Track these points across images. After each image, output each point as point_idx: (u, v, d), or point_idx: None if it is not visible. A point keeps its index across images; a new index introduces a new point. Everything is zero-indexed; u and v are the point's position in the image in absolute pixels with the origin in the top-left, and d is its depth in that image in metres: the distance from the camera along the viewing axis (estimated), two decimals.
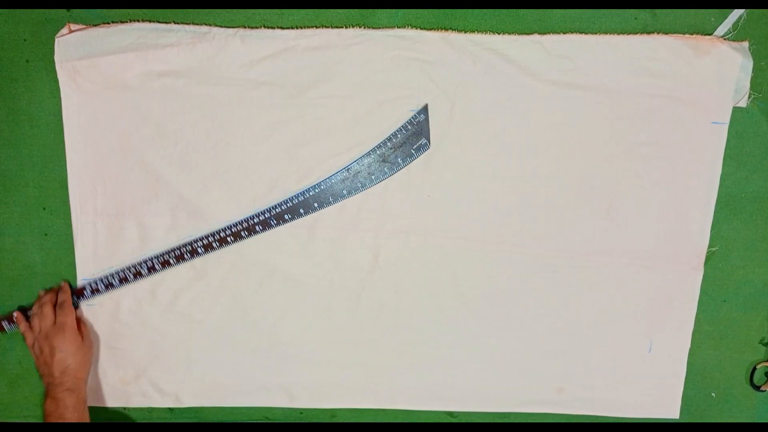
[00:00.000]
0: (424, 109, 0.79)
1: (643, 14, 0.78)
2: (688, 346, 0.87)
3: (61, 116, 0.79)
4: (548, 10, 0.77)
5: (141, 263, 0.81)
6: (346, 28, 0.77)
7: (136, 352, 0.85)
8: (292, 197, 0.80)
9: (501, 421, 0.89)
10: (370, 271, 0.84)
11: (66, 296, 0.81)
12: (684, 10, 0.77)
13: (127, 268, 0.82)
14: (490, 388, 0.87)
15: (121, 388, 0.86)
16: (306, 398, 0.88)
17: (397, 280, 0.84)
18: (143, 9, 0.77)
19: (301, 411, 0.89)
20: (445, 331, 0.85)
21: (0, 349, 0.86)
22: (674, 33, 0.78)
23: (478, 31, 0.78)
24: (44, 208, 0.83)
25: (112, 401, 0.87)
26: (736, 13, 0.78)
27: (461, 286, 0.84)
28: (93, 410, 0.87)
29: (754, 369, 0.89)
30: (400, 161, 0.80)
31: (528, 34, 0.78)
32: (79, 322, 0.82)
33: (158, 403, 0.87)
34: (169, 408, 0.88)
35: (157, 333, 0.85)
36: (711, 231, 0.83)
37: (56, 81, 0.78)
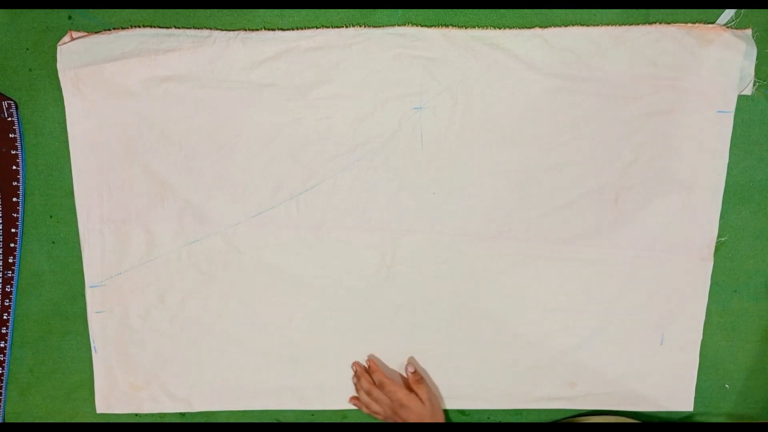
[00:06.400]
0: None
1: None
2: (700, 337, 0.86)
3: (66, 124, 0.79)
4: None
5: None
6: (347, 27, 0.78)
7: (146, 357, 0.86)
8: None
9: (514, 418, 0.89)
10: (378, 271, 0.83)
11: (379, 374, 0.84)
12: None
13: None
14: (502, 384, 0.87)
15: (132, 394, 0.87)
16: (317, 400, 0.87)
17: (405, 279, 0.84)
18: (143, 10, 0.77)
19: (312, 412, 0.88)
20: (455, 329, 0.85)
21: (11, 358, 0.87)
22: (676, 23, 0.78)
23: (478, 27, 0.78)
24: (51, 216, 0.83)
25: (123, 407, 0.87)
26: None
27: (469, 283, 0.84)
28: (104, 417, 0.88)
29: None
30: None
31: (529, 27, 0.77)
32: (413, 383, 0.84)
33: (169, 409, 0.87)
34: (180, 413, 0.88)
35: (166, 338, 0.85)
36: (720, 221, 0.82)
37: (59, 89, 0.78)
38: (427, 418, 0.81)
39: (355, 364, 0.86)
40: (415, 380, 0.83)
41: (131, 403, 0.87)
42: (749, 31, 0.78)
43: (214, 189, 0.81)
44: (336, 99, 0.79)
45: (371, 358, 0.86)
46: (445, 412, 0.88)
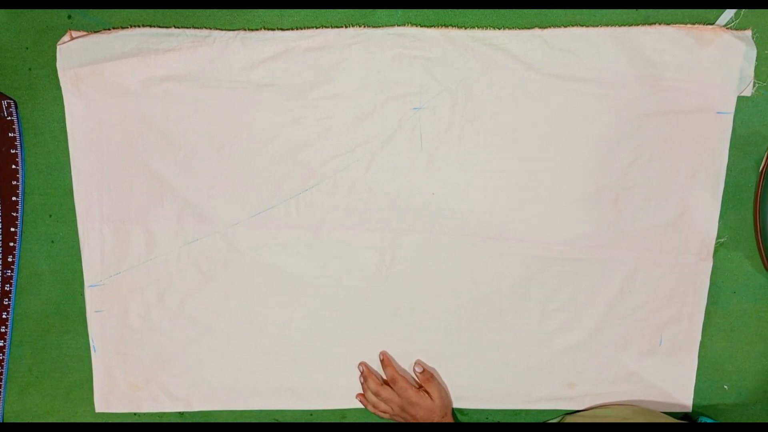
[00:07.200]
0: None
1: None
2: (699, 338, 0.86)
3: (65, 123, 0.79)
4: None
5: None
6: (346, 27, 0.77)
7: (146, 357, 0.86)
8: None
9: (512, 418, 0.89)
10: (378, 271, 0.83)
11: (391, 369, 0.84)
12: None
13: None
14: (501, 385, 0.87)
15: (132, 394, 0.87)
16: (316, 400, 0.87)
17: (404, 279, 0.84)
18: (143, 10, 0.77)
19: (311, 412, 0.88)
20: (455, 329, 0.85)
21: (10, 357, 0.86)
22: (676, 23, 0.78)
23: (478, 27, 0.78)
24: (50, 216, 0.83)
25: (122, 407, 0.87)
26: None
27: (469, 284, 0.84)
28: (103, 416, 0.88)
29: None
30: None
31: (529, 28, 0.77)
32: (423, 382, 0.84)
33: (169, 408, 0.87)
34: (179, 412, 0.88)
35: (166, 338, 0.85)
36: (719, 222, 0.83)
37: (59, 88, 0.78)
38: (436, 414, 0.82)
39: (362, 364, 0.86)
40: (425, 379, 0.84)
41: (130, 403, 0.87)
42: (749, 33, 0.78)
43: (213, 188, 0.81)
44: (336, 99, 0.79)
45: (384, 353, 0.86)
46: None
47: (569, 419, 0.86)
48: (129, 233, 0.82)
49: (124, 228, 0.82)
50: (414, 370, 0.85)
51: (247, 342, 0.85)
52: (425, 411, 0.81)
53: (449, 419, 0.84)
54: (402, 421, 0.84)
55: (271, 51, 0.77)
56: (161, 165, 0.80)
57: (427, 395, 0.82)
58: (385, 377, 0.86)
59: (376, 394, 0.84)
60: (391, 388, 0.83)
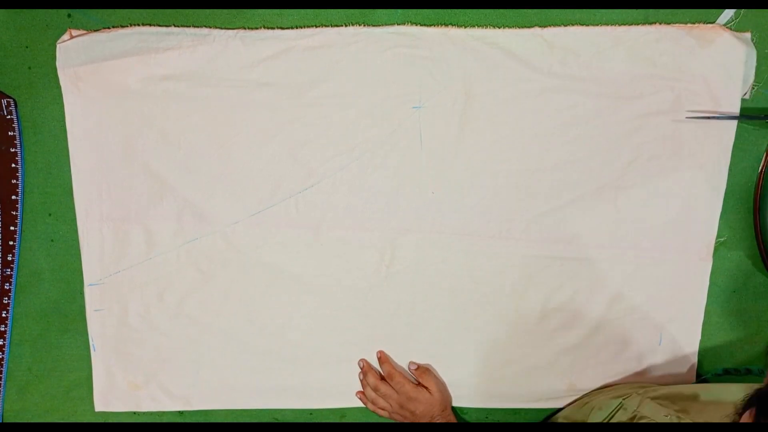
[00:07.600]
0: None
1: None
2: (699, 337, 0.86)
3: (65, 122, 0.79)
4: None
5: None
6: (346, 26, 0.77)
7: (145, 356, 0.85)
8: None
9: (512, 418, 0.89)
10: (377, 270, 0.83)
11: (388, 365, 0.85)
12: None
13: None
14: (501, 384, 0.87)
15: (131, 393, 0.86)
16: (316, 399, 0.87)
17: (404, 278, 0.84)
18: (143, 9, 0.77)
19: (311, 411, 0.88)
20: (454, 329, 0.85)
21: (10, 356, 0.86)
22: (676, 23, 0.78)
23: (478, 26, 0.78)
24: (50, 215, 0.83)
25: (121, 406, 0.87)
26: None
27: (469, 283, 0.84)
28: (102, 415, 0.87)
29: None
30: None
31: (529, 27, 0.77)
32: (419, 376, 0.85)
33: (168, 407, 0.87)
34: (179, 411, 0.88)
35: (165, 337, 0.85)
36: (719, 221, 0.82)
37: (59, 87, 0.78)
38: (436, 408, 0.82)
39: (363, 360, 0.86)
40: (421, 373, 0.84)
41: (130, 402, 0.87)
42: (748, 35, 0.77)
43: (213, 188, 0.81)
44: (335, 98, 0.79)
45: (382, 351, 0.86)
46: None
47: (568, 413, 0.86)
48: (129, 232, 0.82)
49: (124, 227, 0.82)
50: (409, 368, 0.85)
51: (246, 341, 0.85)
52: (425, 405, 0.81)
53: (449, 412, 0.84)
54: (402, 419, 0.84)
55: (271, 50, 0.77)
56: (161, 164, 0.80)
57: (425, 390, 0.82)
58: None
59: (375, 390, 0.84)
60: (389, 384, 0.83)
